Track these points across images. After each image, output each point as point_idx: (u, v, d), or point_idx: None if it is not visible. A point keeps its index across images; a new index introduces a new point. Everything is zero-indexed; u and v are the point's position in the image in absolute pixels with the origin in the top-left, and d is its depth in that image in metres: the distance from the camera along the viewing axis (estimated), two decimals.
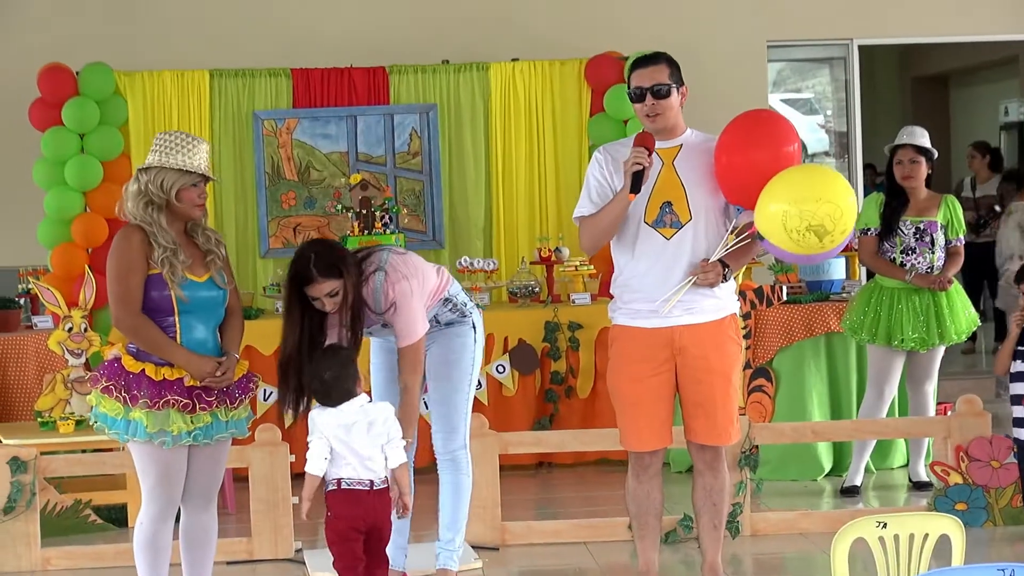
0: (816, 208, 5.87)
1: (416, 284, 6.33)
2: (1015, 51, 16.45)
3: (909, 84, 19.15)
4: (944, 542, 4.61)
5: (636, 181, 6.01)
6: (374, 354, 6.69)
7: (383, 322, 6.35)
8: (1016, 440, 7.37)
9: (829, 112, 15.90)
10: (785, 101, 16.26)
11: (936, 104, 18.93)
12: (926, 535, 4.62)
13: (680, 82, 6.21)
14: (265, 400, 9.21)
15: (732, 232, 6.13)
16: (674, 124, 6.23)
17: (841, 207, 5.92)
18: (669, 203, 6.14)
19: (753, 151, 6.02)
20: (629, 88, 6.25)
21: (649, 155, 6.03)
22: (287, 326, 6.14)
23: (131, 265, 5.75)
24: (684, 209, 6.14)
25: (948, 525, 4.65)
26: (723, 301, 6.25)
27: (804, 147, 11.73)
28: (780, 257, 6.76)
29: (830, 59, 16.03)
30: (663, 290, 6.14)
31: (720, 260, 6.12)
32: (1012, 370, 7.33)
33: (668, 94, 6.15)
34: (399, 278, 6.28)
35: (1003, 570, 3.97)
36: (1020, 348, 7.29)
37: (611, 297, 9.73)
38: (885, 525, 4.62)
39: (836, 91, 16.12)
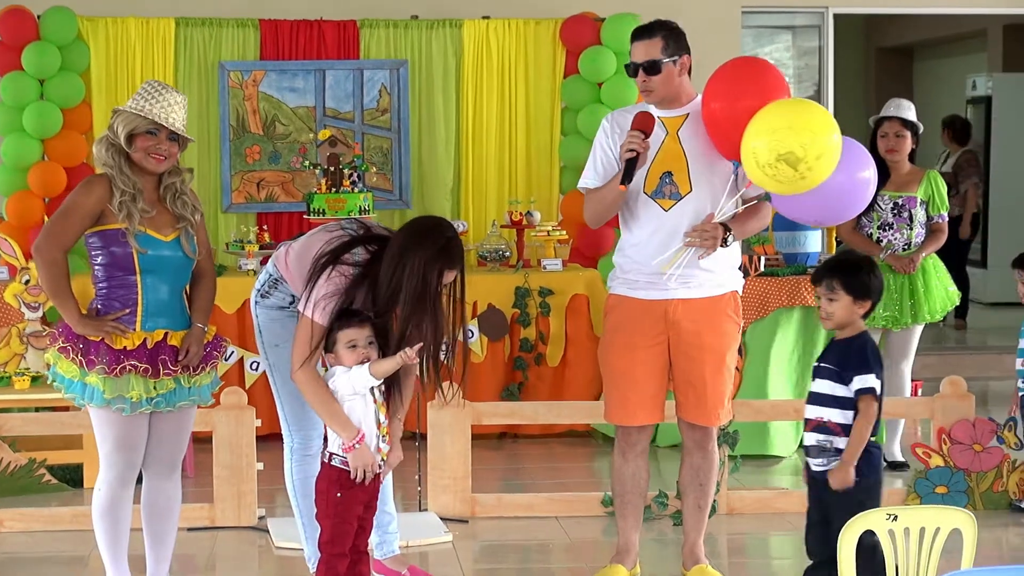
0: (783, 137, 5.61)
1: None
2: (983, 25, 16.37)
3: (873, 54, 19.03)
4: (955, 537, 4.48)
5: (629, 169, 5.85)
6: None
7: None
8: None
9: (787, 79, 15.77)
10: None
11: (900, 76, 18.82)
12: (937, 529, 4.49)
13: (679, 52, 6.04)
14: (226, 360, 8.94)
15: (733, 197, 5.94)
16: (675, 94, 6.06)
17: (813, 131, 5.62)
18: (669, 173, 5.97)
19: (741, 102, 5.79)
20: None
21: (645, 139, 5.85)
22: (432, 313, 5.48)
23: (80, 209, 5.58)
24: (684, 180, 5.96)
25: (960, 519, 4.52)
26: (722, 277, 6.08)
27: None
28: (793, 216, 6.47)
29: (792, 27, 15.87)
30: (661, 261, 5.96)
31: (723, 224, 5.93)
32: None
33: (659, 70, 6.00)
34: None
35: None
36: None
37: (582, 264, 9.76)
38: (895, 518, 4.49)
39: (796, 58, 15.96)
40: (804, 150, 5.61)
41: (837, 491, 5.40)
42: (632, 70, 6.07)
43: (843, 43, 15.01)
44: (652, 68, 6.01)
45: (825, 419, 5.45)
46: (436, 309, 5.52)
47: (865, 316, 5.55)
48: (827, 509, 5.46)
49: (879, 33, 18.62)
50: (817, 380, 5.55)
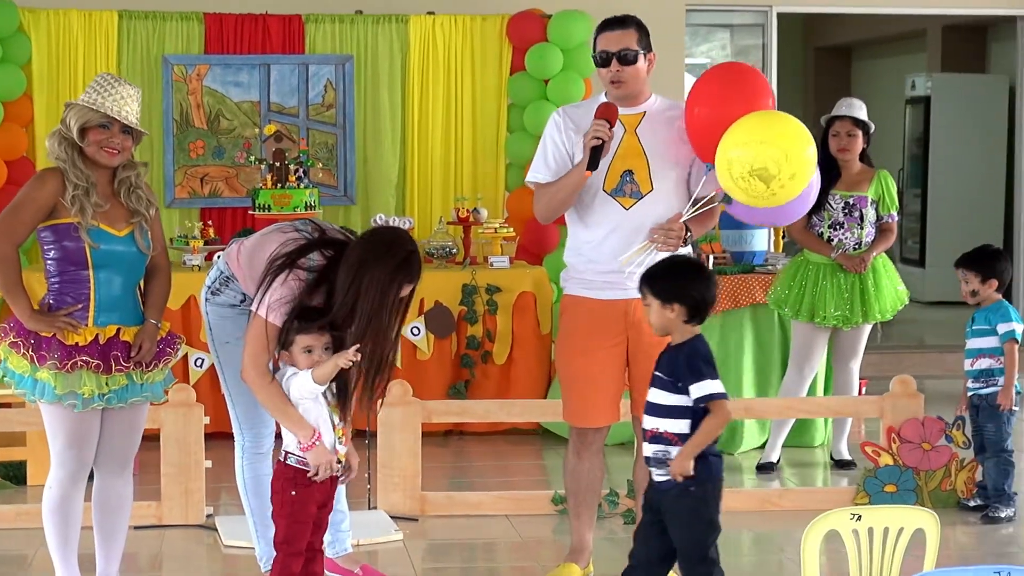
0: (758, 151, 5.58)
1: None
2: (923, 25, 16.44)
3: (812, 54, 19.09)
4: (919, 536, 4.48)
5: (595, 156, 5.77)
6: None
7: None
8: None
9: None
10: None
11: (838, 75, 18.89)
12: (901, 529, 4.49)
13: (648, 48, 6.00)
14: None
15: (702, 198, 5.91)
16: (639, 91, 6.00)
17: (786, 151, 5.59)
18: (630, 172, 5.91)
19: (728, 106, 5.75)
20: (594, 51, 6.03)
21: (610, 128, 5.79)
22: (391, 328, 5.43)
23: (32, 203, 5.47)
24: (645, 179, 5.91)
25: (924, 519, 4.51)
26: None
27: None
28: (745, 218, 6.50)
29: (730, 25, 15.89)
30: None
31: (684, 224, 5.89)
32: None
33: (635, 60, 5.93)
34: None
35: (999, 572, 3.84)
36: None
37: (528, 261, 9.71)
38: (859, 517, 4.47)
39: (733, 56, 15.98)
40: (779, 167, 5.59)
41: (672, 498, 5.19)
42: (603, 59, 5.95)
43: (782, 42, 15.13)
44: (627, 58, 5.92)
45: (660, 430, 5.22)
46: (391, 322, 5.45)
47: (694, 320, 5.27)
48: (662, 517, 5.28)
49: (817, 32, 18.67)
50: (652, 389, 5.28)
